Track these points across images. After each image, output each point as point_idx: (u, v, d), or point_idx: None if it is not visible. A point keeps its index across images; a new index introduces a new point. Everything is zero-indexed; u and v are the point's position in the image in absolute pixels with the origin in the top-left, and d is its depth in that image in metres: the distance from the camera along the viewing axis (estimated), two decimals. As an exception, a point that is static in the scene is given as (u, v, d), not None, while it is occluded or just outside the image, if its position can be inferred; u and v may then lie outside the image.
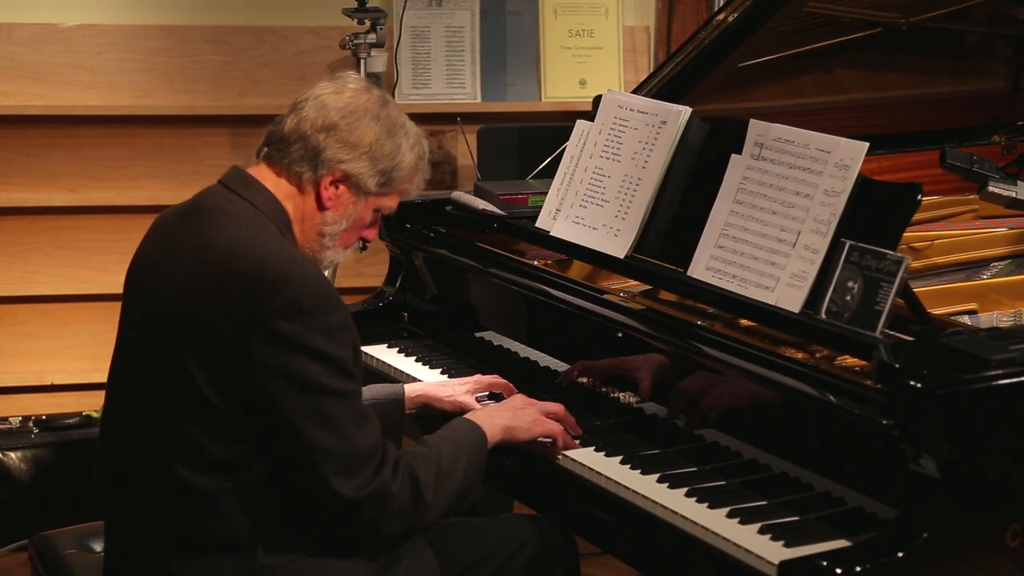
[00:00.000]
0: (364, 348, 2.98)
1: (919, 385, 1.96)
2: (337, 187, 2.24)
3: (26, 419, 4.01)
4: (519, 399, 2.48)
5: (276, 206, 2.23)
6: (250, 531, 2.14)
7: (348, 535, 2.18)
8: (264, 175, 2.26)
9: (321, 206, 2.25)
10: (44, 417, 4.02)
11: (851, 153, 2.31)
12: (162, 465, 2.15)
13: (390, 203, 2.32)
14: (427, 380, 2.79)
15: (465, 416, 2.40)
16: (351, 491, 2.10)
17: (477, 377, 2.66)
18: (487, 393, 2.67)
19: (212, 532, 2.14)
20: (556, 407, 2.45)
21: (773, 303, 2.33)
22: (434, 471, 2.21)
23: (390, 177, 2.27)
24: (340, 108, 2.24)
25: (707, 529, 2.10)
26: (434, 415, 2.63)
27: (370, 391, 2.58)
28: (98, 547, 2.45)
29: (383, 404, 2.54)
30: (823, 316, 2.23)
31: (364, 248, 4.25)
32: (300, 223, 2.26)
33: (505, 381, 2.65)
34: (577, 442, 2.42)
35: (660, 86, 3.02)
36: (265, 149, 2.28)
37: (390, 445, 2.19)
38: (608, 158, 2.74)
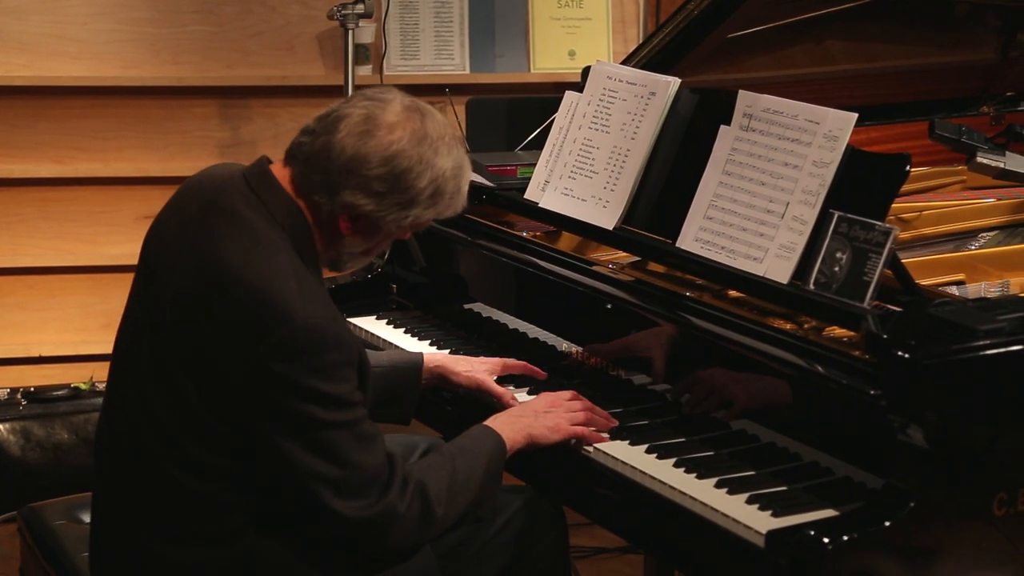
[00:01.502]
0: (353, 320, 2.99)
1: (907, 355, 1.97)
2: (355, 221, 2.12)
3: (14, 391, 4.01)
4: (542, 401, 2.38)
5: (296, 218, 2.11)
6: (239, 525, 2.13)
7: (354, 551, 2.15)
8: (287, 183, 2.14)
9: (338, 234, 2.14)
10: (32, 389, 4.02)
11: (840, 124, 2.31)
12: (151, 459, 2.13)
13: (417, 227, 2.19)
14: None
15: (485, 423, 2.32)
16: (355, 512, 2.06)
17: (503, 360, 2.58)
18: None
19: (198, 522, 2.13)
20: (583, 405, 2.36)
21: (761, 274, 2.33)
22: (446, 484, 2.16)
23: (414, 218, 2.13)
24: (369, 146, 2.07)
25: (696, 499, 2.10)
26: (447, 389, 2.58)
27: (388, 356, 2.55)
28: (87, 518, 2.45)
29: (402, 371, 2.51)
30: (811, 287, 2.24)
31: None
32: (320, 234, 2.15)
33: (527, 364, 2.58)
34: (606, 435, 2.33)
35: (649, 57, 3.01)
36: (292, 160, 2.13)
37: (397, 460, 2.12)
38: (597, 129, 2.73)
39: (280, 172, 2.15)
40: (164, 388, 2.10)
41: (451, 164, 2.14)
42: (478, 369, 2.56)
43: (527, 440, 2.30)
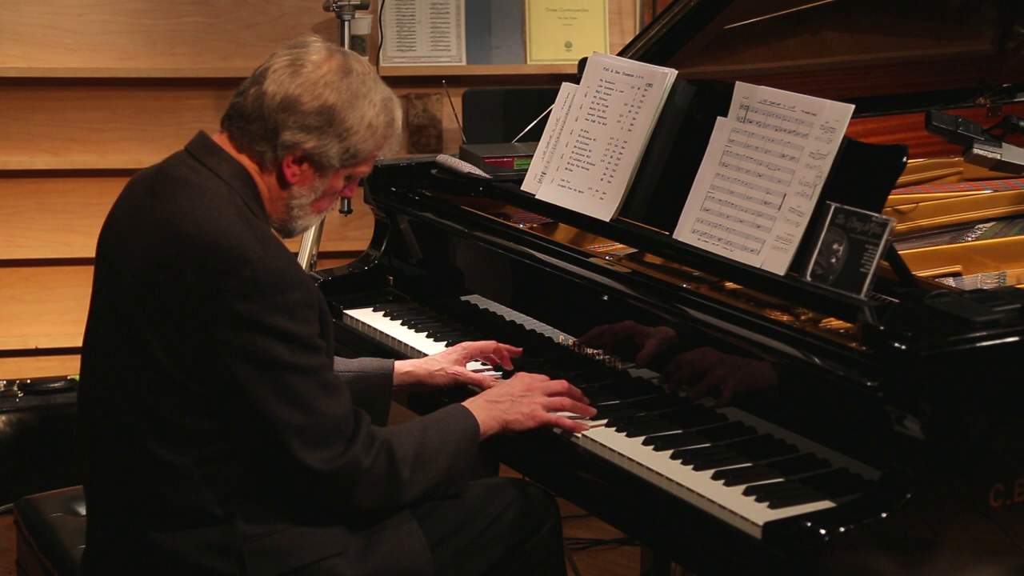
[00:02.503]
0: (350, 312, 2.99)
1: (903, 347, 1.97)
2: (300, 164, 2.19)
3: (10, 383, 4.00)
4: (519, 384, 2.40)
5: (242, 176, 2.18)
6: (224, 502, 2.13)
7: (322, 506, 2.18)
8: (228, 146, 2.21)
9: (285, 183, 2.20)
10: (28, 381, 4.01)
11: (837, 115, 2.31)
12: (131, 437, 2.14)
13: (362, 169, 2.26)
14: (413, 344, 2.79)
15: (463, 404, 2.35)
16: (320, 463, 2.09)
17: (463, 344, 2.63)
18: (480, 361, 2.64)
19: (185, 503, 2.13)
20: (559, 387, 2.38)
21: (758, 266, 2.33)
22: (413, 450, 2.19)
23: (355, 151, 2.20)
24: (299, 84, 2.16)
25: (693, 491, 2.11)
26: (429, 391, 2.60)
27: (359, 363, 2.57)
28: (83, 511, 2.45)
29: (370, 378, 2.53)
30: (808, 279, 2.24)
31: (349, 212, 4.26)
32: (268, 194, 2.21)
33: (493, 344, 2.62)
34: (587, 423, 2.35)
35: (646, 48, 3.01)
36: (228, 121, 2.22)
37: (364, 418, 2.16)
38: (594, 121, 2.73)
39: (220, 139, 2.22)
40: (136, 362, 2.12)
41: (379, 96, 2.22)
42: (447, 363, 2.59)
43: (502, 426, 2.33)
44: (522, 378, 2.43)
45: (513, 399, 2.36)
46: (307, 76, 2.17)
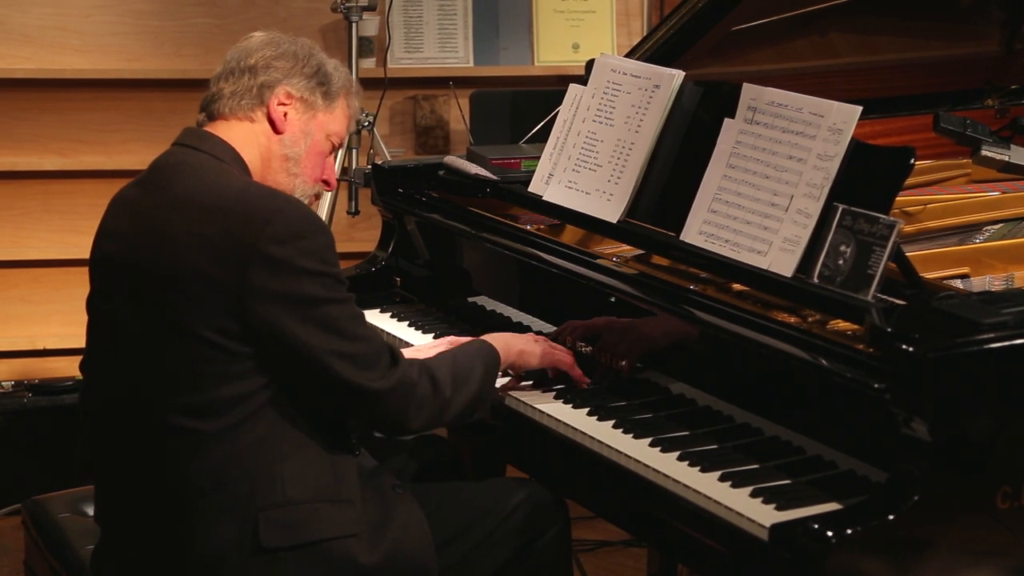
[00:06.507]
0: (356, 313, 2.99)
1: (911, 349, 1.97)
2: (285, 111, 2.32)
3: (19, 384, 4.01)
4: (531, 334, 2.55)
5: (235, 154, 2.29)
6: (245, 469, 2.14)
7: (380, 430, 2.39)
8: (215, 128, 2.32)
9: (276, 130, 2.32)
10: (37, 381, 4.02)
11: (844, 117, 2.31)
12: (156, 415, 2.16)
13: (338, 127, 2.38)
14: (418, 344, 2.79)
15: (478, 338, 2.47)
16: (374, 382, 2.18)
17: (451, 339, 2.63)
18: None
19: (205, 474, 2.14)
20: (565, 351, 2.52)
21: (766, 267, 2.33)
22: (450, 372, 2.31)
23: (328, 88, 2.35)
24: (257, 45, 2.34)
25: (699, 493, 2.10)
26: None
27: None
28: (91, 511, 2.46)
29: None
30: (815, 280, 2.24)
31: (356, 213, 4.26)
32: (263, 161, 2.32)
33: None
34: (587, 379, 2.50)
35: (653, 50, 3.01)
36: (203, 114, 2.36)
37: (397, 346, 2.28)
38: (601, 122, 2.73)
39: (207, 127, 2.35)
40: (169, 336, 2.15)
41: (331, 59, 2.41)
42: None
43: (519, 356, 2.48)
44: (532, 334, 2.57)
45: (528, 340, 2.51)
46: (262, 39, 2.35)
